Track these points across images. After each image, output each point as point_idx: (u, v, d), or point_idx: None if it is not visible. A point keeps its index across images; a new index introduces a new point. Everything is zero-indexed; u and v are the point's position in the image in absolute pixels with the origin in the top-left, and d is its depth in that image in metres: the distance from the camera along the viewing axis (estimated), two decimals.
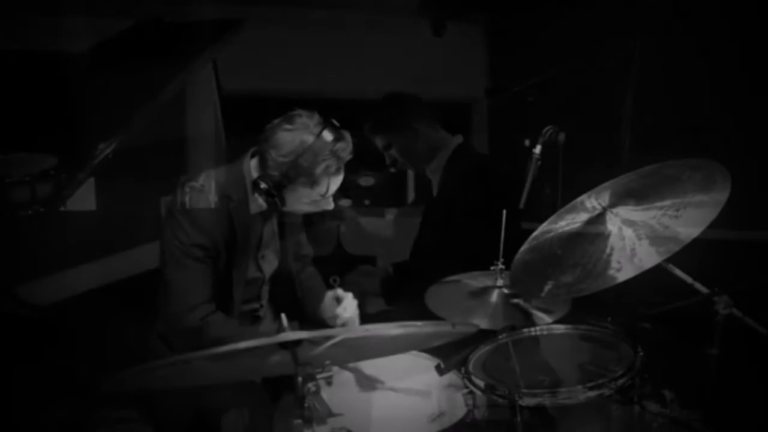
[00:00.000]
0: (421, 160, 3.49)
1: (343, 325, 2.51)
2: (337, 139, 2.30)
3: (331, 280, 2.55)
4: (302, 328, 2.16)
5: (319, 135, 2.27)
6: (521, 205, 2.90)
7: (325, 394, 2.29)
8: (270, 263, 2.53)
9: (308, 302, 2.62)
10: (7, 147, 4.52)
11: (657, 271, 2.18)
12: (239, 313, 2.46)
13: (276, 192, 2.28)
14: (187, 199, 2.33)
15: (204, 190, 2.36)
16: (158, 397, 2.47)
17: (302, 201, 2.35)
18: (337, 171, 2.32)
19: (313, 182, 2.29)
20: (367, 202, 4.65)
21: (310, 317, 2.59)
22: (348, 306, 2.51)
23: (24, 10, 3.91)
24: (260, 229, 2.45)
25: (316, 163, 2.26)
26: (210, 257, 2.34)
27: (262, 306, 2.58)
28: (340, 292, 2.54)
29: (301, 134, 2.28)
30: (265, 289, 2.57)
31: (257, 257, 2.47)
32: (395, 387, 2.41)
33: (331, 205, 2.41)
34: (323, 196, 2.35)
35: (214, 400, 2.41)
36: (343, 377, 2.42)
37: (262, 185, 2.28)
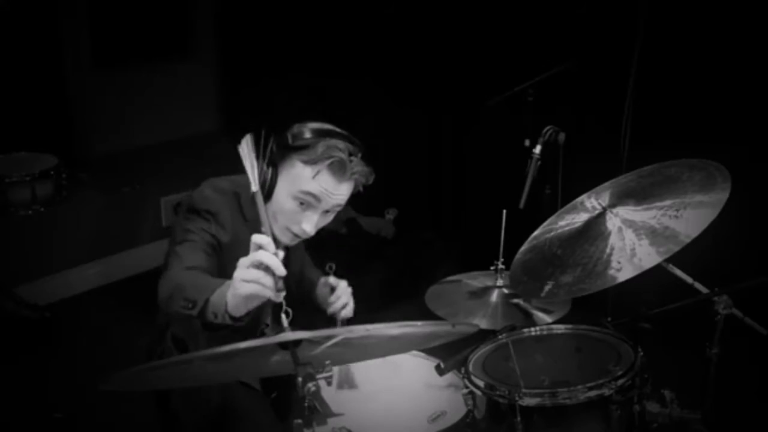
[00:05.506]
0: None
1: (338, 311, 2.46)
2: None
3: (327, 267, 2.50)
4: (302, 327, 2.13)
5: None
6: (521, 205, 2.90)
7: (325, 394, 2.30)
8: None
9: (302, 289, 2.58)
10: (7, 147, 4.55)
11: (657, 271, 2.18)
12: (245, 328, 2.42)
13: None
14: (200, 196, 2.29)
15: (223, 189, 2.32)
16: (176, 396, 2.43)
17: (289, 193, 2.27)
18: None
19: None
20: None
21: (306, 304, 2.55)
22: (342, 293, 2.48)
23: None
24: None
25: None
26: (215, 252, 2.29)
27: (267, 325, 2.55)
28: (332, 279, 2.50)
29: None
30: (268, 309, 2.52)
31: None
32: (395, 387, 2.41)
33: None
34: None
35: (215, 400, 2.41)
36: (343, 378, 2.42)
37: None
